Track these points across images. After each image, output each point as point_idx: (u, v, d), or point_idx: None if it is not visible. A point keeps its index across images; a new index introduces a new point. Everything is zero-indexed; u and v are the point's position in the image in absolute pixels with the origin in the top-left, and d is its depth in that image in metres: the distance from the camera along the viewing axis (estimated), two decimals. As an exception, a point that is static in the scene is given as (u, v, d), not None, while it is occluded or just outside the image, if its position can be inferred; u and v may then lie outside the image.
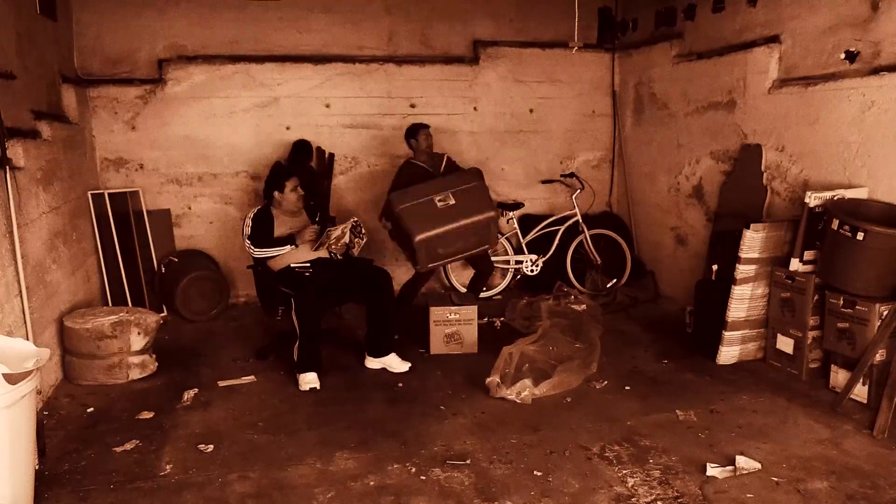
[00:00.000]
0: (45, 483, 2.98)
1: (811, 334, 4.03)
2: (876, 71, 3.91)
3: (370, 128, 6.06)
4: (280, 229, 4.36)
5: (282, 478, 3.04)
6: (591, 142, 6.60)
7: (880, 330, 3.58)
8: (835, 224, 3.72)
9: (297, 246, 4.27)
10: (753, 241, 4.20)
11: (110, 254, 5.27)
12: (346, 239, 4.37)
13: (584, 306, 5.32)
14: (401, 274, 6.05)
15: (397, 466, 3.13)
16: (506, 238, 6.11)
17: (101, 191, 5.36)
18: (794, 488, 2.89)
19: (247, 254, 4.42)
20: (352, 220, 4.48)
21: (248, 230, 4.32)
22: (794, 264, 4.06)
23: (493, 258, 6.10)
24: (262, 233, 4.30)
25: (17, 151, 3.71)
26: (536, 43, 6.30)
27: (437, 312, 4.65)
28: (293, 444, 3.35)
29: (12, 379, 2.50)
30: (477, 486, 2.94)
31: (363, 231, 4.52)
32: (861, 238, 3.58)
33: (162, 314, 5.17)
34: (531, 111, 6.41)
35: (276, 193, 4.37)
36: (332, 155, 5.94)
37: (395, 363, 4.34)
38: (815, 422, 3.51)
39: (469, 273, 5.94)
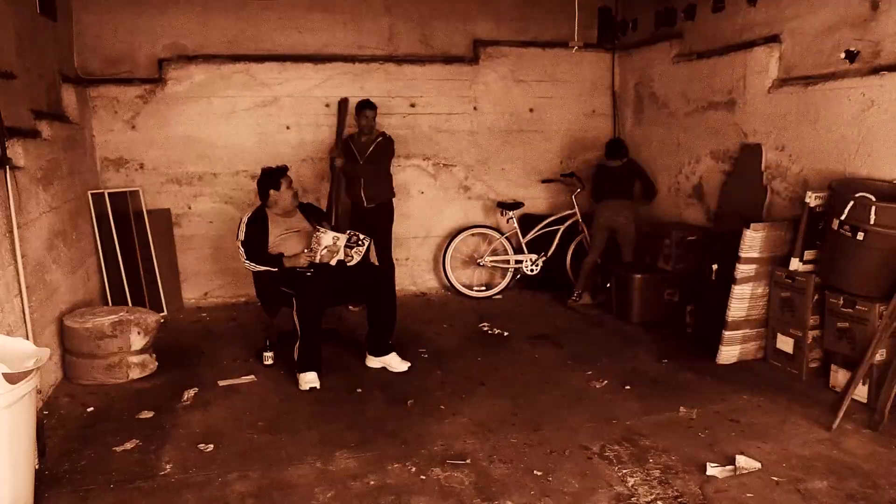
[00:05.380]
0: (45, 483, 2.98)
1: (811, 334, 4.03)
2: (876, 71, 3.91)
3: (370, 127, 6.05)
4: (275, 231, 4.34)
5: (282, 477, 3.03)
6: (591, 141, 6.60)
7: (880, 330, 3.58)
8: (835, 224, 3.71)
9: (283, 268, 4.21)
10: (753, 241, 4.20)
11: (110, 253, 5.27)
12: (340, 254, 4.25)
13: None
14: (400, 274, 6.07)
15: (397, 466, 3.12)
16: (506, 237, 6.11)
17: (101, 190, 5.36)
18: (794, 488, 2.89)
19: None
20: (347, 232, 4.36)
21: (241, 234, 4.30)
22: (794, 264, 4.06)
23: (493, 258, 6.12)
24: (256, 237, 4.28)
25: (17, 151, 3.71)
26: (536, 43, 6.31)
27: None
28: (293, 444, 3.35)
29: (12, 379, 2.50)
30: (477, 486, 2.94)
31: (361, 239, 4.34)
32: (861, 238, 3.58)
33: (162, 314, 5.17)
34: (531, 111, 6.41)
35: (271, 192, 4.34)
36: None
37: (395, 363, 4.34)
38: (815, 422, 3.51)
39: (471, 272, 5.95)
